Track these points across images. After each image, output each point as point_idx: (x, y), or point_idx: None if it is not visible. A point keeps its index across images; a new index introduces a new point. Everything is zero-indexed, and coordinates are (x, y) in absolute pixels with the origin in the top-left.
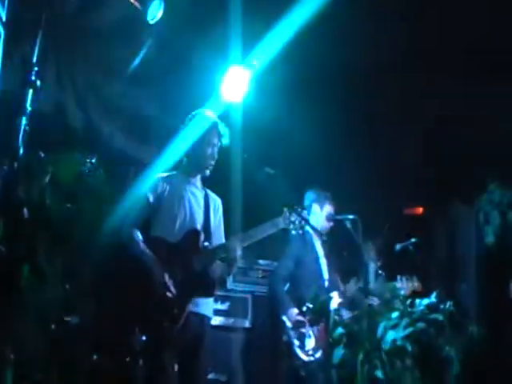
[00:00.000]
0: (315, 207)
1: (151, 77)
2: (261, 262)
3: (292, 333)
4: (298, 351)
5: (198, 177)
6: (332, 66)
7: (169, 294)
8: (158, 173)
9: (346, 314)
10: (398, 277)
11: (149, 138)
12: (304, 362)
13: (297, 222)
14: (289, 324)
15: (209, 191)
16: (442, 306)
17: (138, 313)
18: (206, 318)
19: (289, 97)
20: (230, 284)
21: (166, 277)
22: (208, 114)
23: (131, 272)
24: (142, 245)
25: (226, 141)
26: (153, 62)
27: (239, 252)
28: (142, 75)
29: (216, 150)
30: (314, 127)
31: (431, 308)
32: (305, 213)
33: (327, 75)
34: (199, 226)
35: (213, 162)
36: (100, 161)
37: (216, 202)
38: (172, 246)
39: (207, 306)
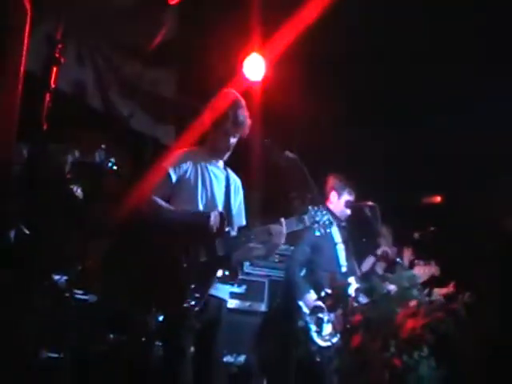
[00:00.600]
0: (333, 195)
1: (170, 57)
2: None
3: (309, 318)
4: (315, 336)
5: (223, 156)
6: (355, 50)
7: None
8: (180, 149)
9: (363, 300)
10: (416, 262)
11: (166, 118)
12: (320, 347)
13: (321, 223)
14: (305, 309)
15: (230, 172)
16: (460, 296)
17: (159, 293)
18: (224, 302)
19: (309, 81)
20: (247, 268)
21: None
22: (243, 104)
23: (154, 251)
24: (165, 204)
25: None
26: (172, 43)
27: (279, 240)
28: (161, 55)
29: (235, 141)
30: (334, 112)
31: (449, 298)
32: (329, 215)
33: (350, 58)
34: (221, 209)
35: (230, 150)
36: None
37: (237, 183)
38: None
39: (224, 290)
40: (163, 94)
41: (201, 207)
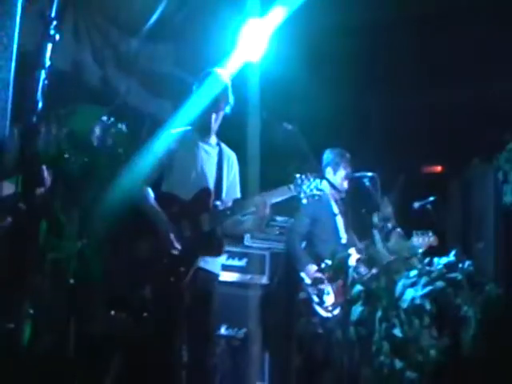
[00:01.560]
0: (328, 170)
1: (167, 32)
2: (278, 218)
3: (311, 289)
4: (317, 308)
5: (212, 134)
6: (353, 22)
7: (174, 251)
8: (172, 128)
9: (364, 271)
10: (414, 232)
11: (164, 94)
12: (322, 318)
13: (308, 191)
14: (308, 281)
15: (224, 146)
16: (460, 265)
17: (147, 269)
18: (214, 275)
19: (308, 54)
20: (247, 240)
21: (171, 234)
22: (222, 74)
23: (140, 228)
24: (152, 201)
25: (229, 109)
26: (169, 18)
27: (264, 212)
28: (158, 31)
29: (220, 115)
30: (331, 85)
31: (449, 267)
32: (317, 181)
33: (348, 31)
34: (211, 185)
35: (215, 127)
36: (117, 118)
37: (231, 157)
38: (182, 203)
39: (215, 264)
40: (160, 70)
41: (191, 184)
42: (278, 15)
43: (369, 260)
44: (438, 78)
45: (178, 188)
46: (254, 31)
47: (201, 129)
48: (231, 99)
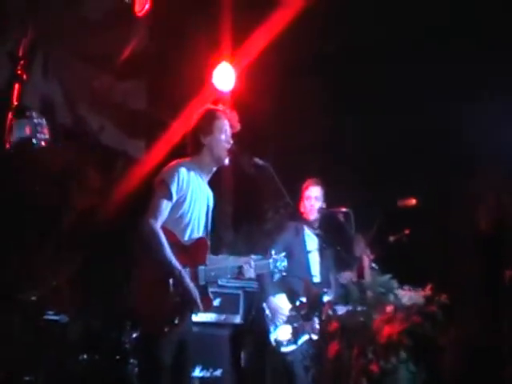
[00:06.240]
0: (301, 205)
1: (140, 69)
2: (253, 257)
3: (269, 321)
4: (273, 338)
5: (214, 169)
6: (322, 55)
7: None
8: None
9: (340, 309)
10: (402, 287)
11: (137, 131)
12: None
13: (280, 268)
14: (267, 311)
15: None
16: (436, 298)
17: (142, 312)
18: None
19: (279, 87)
20: (221, 281)
21: (198, 297)
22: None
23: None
24: (168, 249)
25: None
26: (142, 55)
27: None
28: (131, 68)
29: (229, 134)
30: (303, 119)
31: (426, 300)
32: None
33: (317, 64)
34: (202, 230)
35: (228, 146)
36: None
37: (212, 197)
38: (182, 248)
39: None
40: (134, 107)
41: (187, 230)
42: (249, 49)
43: (344, 296)
44: (412, 109)
45: (176, 228)
46: (225, 66)
47: (211, 164)
48: (231, 116)
